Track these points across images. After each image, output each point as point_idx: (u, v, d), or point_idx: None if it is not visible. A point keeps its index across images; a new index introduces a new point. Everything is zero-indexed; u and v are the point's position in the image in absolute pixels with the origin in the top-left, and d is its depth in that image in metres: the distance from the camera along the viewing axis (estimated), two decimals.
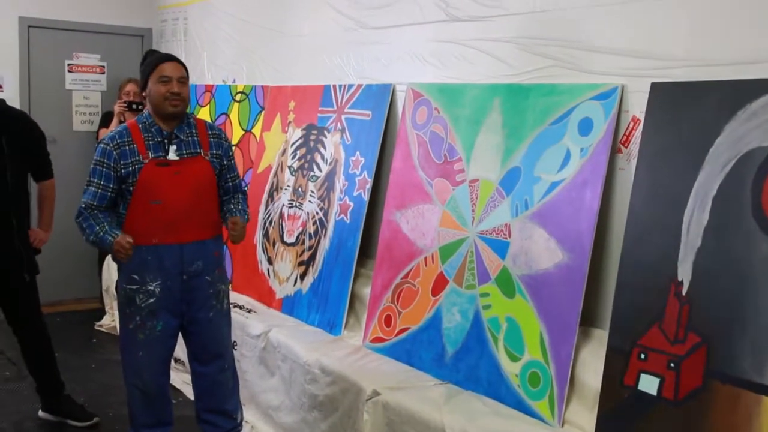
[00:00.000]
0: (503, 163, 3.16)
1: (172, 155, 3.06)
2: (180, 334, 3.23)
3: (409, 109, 3.67)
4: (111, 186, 3.00)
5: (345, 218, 3.91)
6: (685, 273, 2.50)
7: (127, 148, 3.00)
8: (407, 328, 3.45)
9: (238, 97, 5.00)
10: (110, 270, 5.39)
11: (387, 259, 3.64)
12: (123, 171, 2.99)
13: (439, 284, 3.34)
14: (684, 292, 2.49)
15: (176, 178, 3.04)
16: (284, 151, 4.42)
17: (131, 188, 3.00)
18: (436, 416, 2.84)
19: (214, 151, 3.17)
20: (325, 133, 4.15)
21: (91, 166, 3.02)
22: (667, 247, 2.55)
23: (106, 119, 5.82)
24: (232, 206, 3.26)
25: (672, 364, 2.49)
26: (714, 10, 2.55)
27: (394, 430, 2.97)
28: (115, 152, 2.99)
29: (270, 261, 4.34)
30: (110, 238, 2.96)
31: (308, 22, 4.50)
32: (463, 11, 3.46)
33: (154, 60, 3.08)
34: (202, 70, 5.59)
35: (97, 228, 2.98)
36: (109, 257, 5.44)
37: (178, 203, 3.04)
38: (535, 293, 2.95)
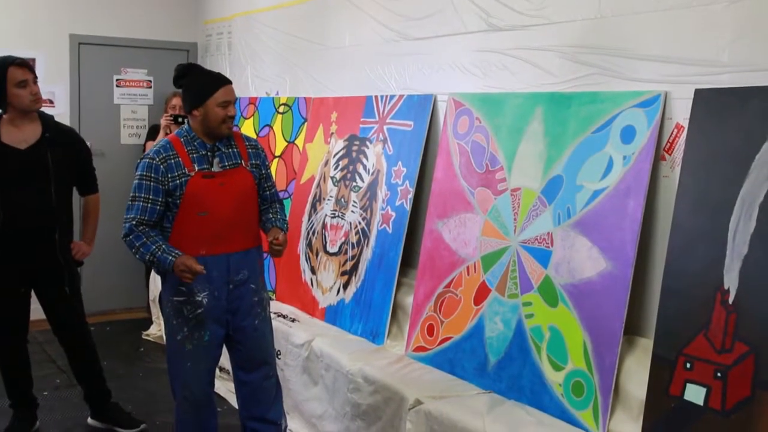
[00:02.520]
0: (545, 171, 3.15)
1: (216, 167, 3.11)
2: (224, 343, 3.27)
3: (451, 119, 3.68)
4: (160, 199, 3.03)
5: (387, 228, 3.92)
6: (731, 281, 2.46)
7: (172, 161, 3.05)
8: (450, 338, 3.45)
9: (281, 109, 5.06)
10: (156, 281, 5.48)
11: (429, 268, 3.65)
12: (170, 184, 3.03)
13: (482, 293, 3.34)
14: (731, 300, 2.45)
15: (221, 189, 3.09)
16: (327, 162, 4.46)
17: (178, 201, 3.04)
18: (479, 425, 2.83)
19: (253, 161, 3.22)
20: (367, 143, 4.18)
21: (136, 181, 3.04)
22: (713, 255, 2.52)
23: (153, 132, 5.93)
24: (270, 215, 3.30)
25: (719, 374, 2.45)
26: (759, 13, 2.52)
27: None
28: (162, 166, 3.03)
29: (313, 271, 4.38)
30: (170, 258, 2.98)
31: (350, 34, 4.54)
32: (504, 21, 3.47)
33: (215, 82, 3.09)
34: (246, 83, 5.67)
35: (154, 247, 2.99)
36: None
37: (224, 214, 3.08)
38: (578, 302, 2.93)
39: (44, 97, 3.69)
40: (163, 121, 5.76)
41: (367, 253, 3.98)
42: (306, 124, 4.75)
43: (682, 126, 2.74)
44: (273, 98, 5.21)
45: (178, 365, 3.17)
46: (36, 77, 3.58)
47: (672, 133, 2.78)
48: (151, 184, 3.02)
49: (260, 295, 3.24)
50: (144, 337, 5.53)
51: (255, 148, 3.27)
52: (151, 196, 3.02)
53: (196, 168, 3.07)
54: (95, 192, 3.91)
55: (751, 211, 2.44)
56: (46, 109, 3.78)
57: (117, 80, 6.19)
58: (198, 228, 3.06)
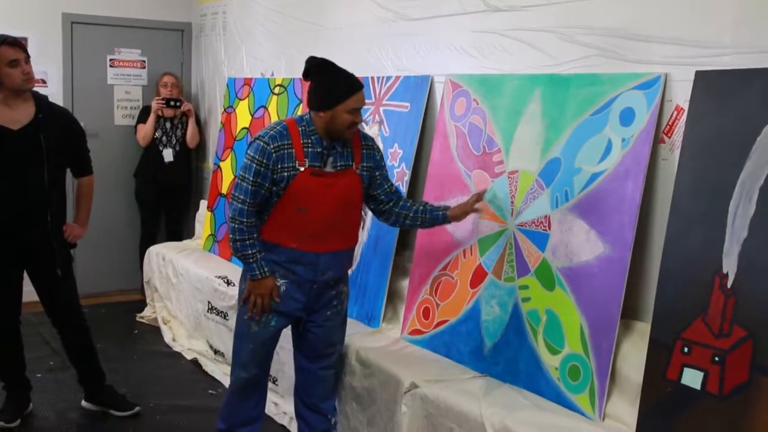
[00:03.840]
0: (543, 154, 3.12)
1: (328, 167, 3.01)
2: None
3: (448, 101, 3.65)
4: (266, 185, 2.95)
5: None
6: (730, 265, 2.44)
7: (285, 152, 2.94)
8: (445, 321, 3.43)
9: (276, 90, 5.01)
10: (151, 263, 5.46)
11: (425, 251, 3.62)
12: (278, 175, 2.94)
13: (478, 276, 3.32)
14: (729, 284, 2.44)
15: (327, 189, 2.99)
16: None
17: (281, 192, 2.96)
18: (475, 409, 2.82)
19: (365, 164, 3.10)
20: (363, 125, 4.14)
21: (247, 162, 2.96)
22: (712, 238, 2.50)
23: (144, 114, 5.90)
24: (417, 208, 3.21)
25: (716, 358, 2.44)
26: None
27: (433, 423, 2.96)
28: (274, 154, 2.92)
29: None
30: (259, 273, 3.00)
31: (346, 14, 4.49)
32: (503, 1, 3.42)
33: (348, 87, 2.94)
34: (241, 63, 5.62)
35: (251, 251, 2.98)
36: (151, 250, 5.51)
37: (324, 214, 3.00)
38: (575, 285, 2.91)
39: (37, 77, 3.63)
40: (154, 105, 5.73)
41: (363, 236, 3.95)
42: (301, 105, 4.70)
43: (682, 108, 2.71)
44: (268, 79, 5.17)
45: (240, 344, 3.18)
46: (28, 56, 3.53)
47: (672, 115, 2.76)
48: (261, 169, 2.93)
49: (339, 289, 3.21)
50: (138, 319, 5.50)
51: (370, 149, 3.14)
52: (258, 180, 2.94)
53: (307, 164, 2.96)
54: (89, 174, 3.87)
55: (752, 194, 2.42)
56: (39, 89, 3.73)
57: (110, 60, 6.12)
58: (295, 222, 3.00)
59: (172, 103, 5.75)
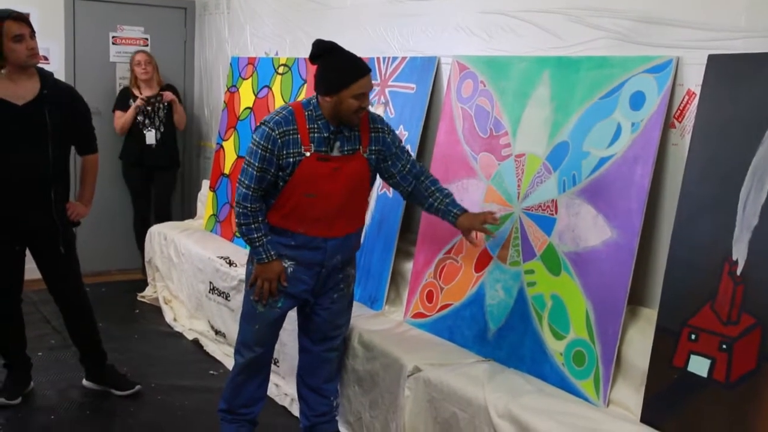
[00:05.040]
0: (551, 137, 3.09)
1: (335, 151, 2.97)
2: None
3: (455, 82, 3.61)
4: (271, 170, 2.92)
5: (387, 193, 3.87)
6: (740, 252, 2.42)
7: (290, 138, 2.90)
8: (449, 305, 3.41)
9: (280, 70, 4.97)
10: (152, 242, 5.44)
11: (429, 234, 3.60)
12: (284, 161, 2.91)
13: (483, 260, 3.29)
14: (739, 271, 2.41)
15: (334, 174, 2.95)
16: None
17: (287, 178, 2.93)
18: (479, 393, 2.80)
19: (373, 147, 3.05)
20: (369, 106, 4.09)
21: (253, 147, 2.92)
22: (722, 225, 2.47)
23: (123, 98, 5.77)
24: (439, 198, 3.10)
25: (724, 346, 2.42)
26: None
27: (436, 407, 2.95)
28: (279, 140, 2.89)
29: None
30: (265, 257, 2.99)
31: None
32: None
33: (354, 72, 2.88)
34: (245, 42, 5.57)
35: (257, 235, 2.97)
36: (152, 230, 5.49)
37: (332, 199, 2.97)
38: (581, 271, 2.89)
39: (40, 53, 3.59)
40: (138, 102, 5.63)
41: (367, 218, 3.91)
42: (306, 85, 4.66)
43: (693, 92, 2.67)
44: (272, 59, 5.12)
45: (246, 325, 3.17)
46: (33, 31, 3.48)
47: (683, 99, 2.72)
48: (266, 155, 2.90)
49: (346, 272, 3.19)
50: (139, 298, 5.49)
51: (379, 131, 3.07)
52: (264, 166, 2.91)
53: (313, 149, 2.93)
54: (94, 152, 3.83)
55: (763, 181, 2.39)
56: (41, 66, 3.68)
57: (113, 38, 6.07)
58: (302, 208, 2.97)
59: (152, 100, 5.67)
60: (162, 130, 5.79)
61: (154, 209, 6.02)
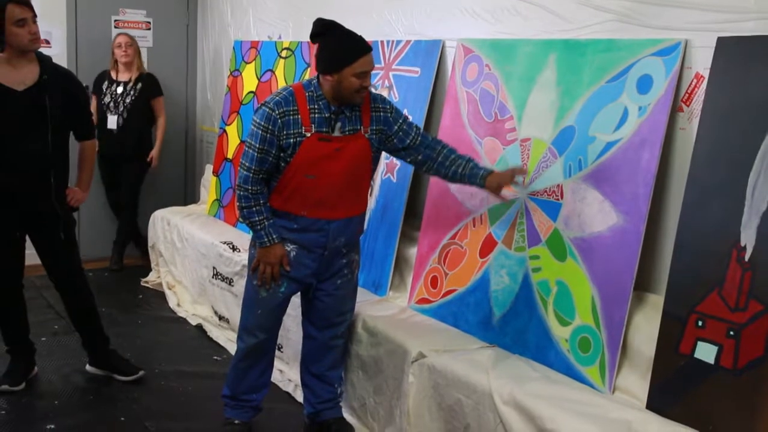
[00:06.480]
0: (557, 121, 3.05)
1: (336, 132, 2.94)
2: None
3: (459, 66, 3.57)
4: (273, 152, 2.90)
5: (392, 177, 3.84)
6: (748, 238, 2.39)
7: (291, 118, 2.88)
8: (454, 290, 3.39)
9: (284, 54, 4.93)
10: (155, 227, 5.42)
11: (434, 219, 3.57)
12: (284, 141, 2.89)
13: (488, 246, 3.27)
14: (747, 257, 2.38)
15: (335, 154, 2.93)
16: None
17: (288, 159, 2.91)
18: (483, 380, 2.78)
19: (374, 127, 3.02)
20: (372, 90, 4.06)
21: (253, 128, 2.91)
22: (730, 211, 2.44)
23: (97, 83, 5.62)
24: (459, 164, 3.05)
25: (731, 332, 2.39)
26: None
27: (440, 393, 2.93)
28: (280, 120, 2.87)
29: None
30: (267, 241, 2.97)
31: None
32: None
33: (355, 50, 2.85)
34: (248, 26, 5.52)
35: (258, 218, 2.96)
36: (156, 214, 5.46)
37: (333, 180, 2.95)
38: (587, 256, 2.86)
39: (41, 37, 3.55)
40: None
41: (371, 203, 3.89)
42: (309, 69, 4.62)
43: (702, 76, 2.63)
44: (275, 42, 5.08)
45: (248, 310, 3.16)
46: (35, 16, 3.45)
47: (691, 83, 2.68)
48: (267, 135, 2.88)
49: (350, 258, 3.18)
50: (143, 284, 5.48)
51: (380, 110, 3.04)
52: (265, 147, 2.89)
53: (314, 129, 2.90)
54: (92, 137, 3.81)
55: None
56: (43, 50, 3.65)
57: (115, 21, 6.02)
58: (304, 190, 2.95)
59: (125, 83, 5.51)
60: (125, 116, 5.54)
61: (122, 203, 5.76)
